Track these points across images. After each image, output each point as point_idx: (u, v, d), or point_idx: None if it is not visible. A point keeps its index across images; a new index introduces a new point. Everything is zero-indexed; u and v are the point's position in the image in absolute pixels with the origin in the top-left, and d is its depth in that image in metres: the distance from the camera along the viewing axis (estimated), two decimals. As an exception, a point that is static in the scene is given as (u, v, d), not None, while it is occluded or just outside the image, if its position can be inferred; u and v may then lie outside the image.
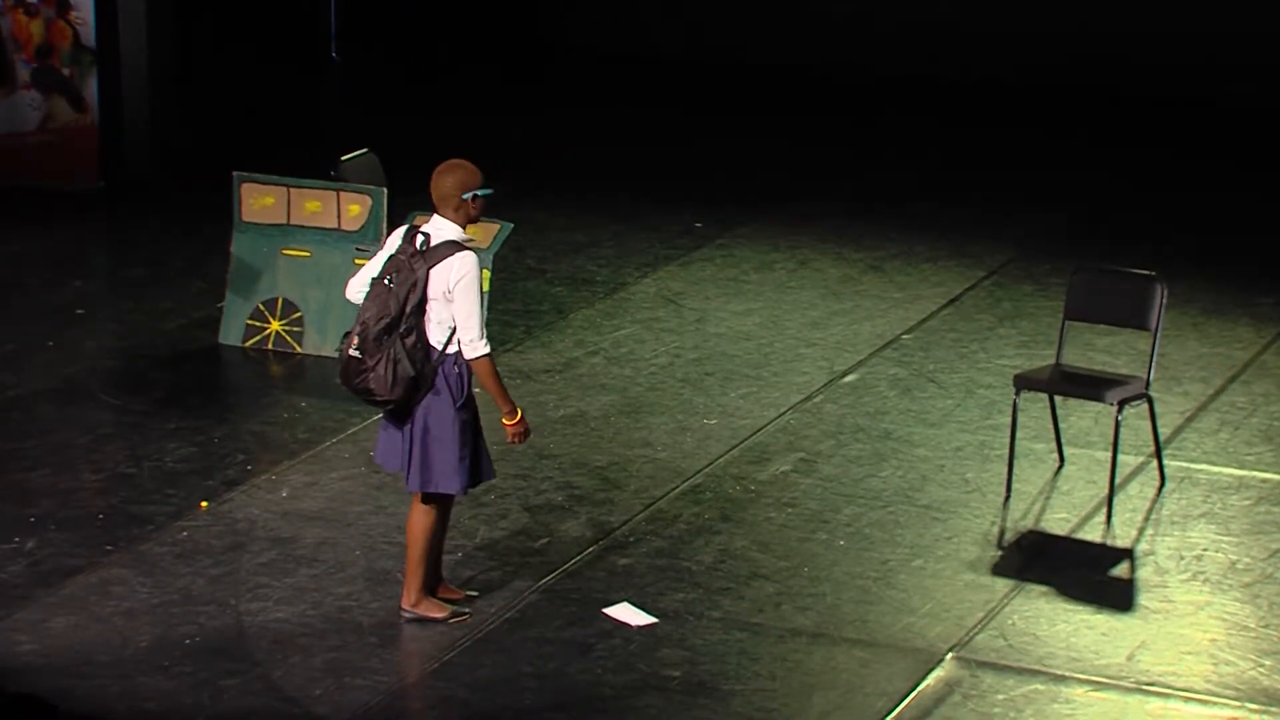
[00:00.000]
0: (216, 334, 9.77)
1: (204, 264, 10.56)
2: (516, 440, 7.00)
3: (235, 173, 9.84)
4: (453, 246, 6.75)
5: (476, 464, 6.95)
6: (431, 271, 6.72)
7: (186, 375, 9.40)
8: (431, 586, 7.07)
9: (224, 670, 6.71)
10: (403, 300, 6.72)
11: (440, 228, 6.79)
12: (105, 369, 9.53)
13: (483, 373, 6.79)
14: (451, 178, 6.77)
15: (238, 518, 7.86)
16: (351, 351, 6.77)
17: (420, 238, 6.78)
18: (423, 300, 6.72)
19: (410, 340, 6.73)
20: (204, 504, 7.97)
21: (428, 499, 6.94)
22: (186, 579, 7.34)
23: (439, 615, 7.03)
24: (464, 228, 6.81)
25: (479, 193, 6.79)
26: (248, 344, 9.72)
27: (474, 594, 7.22)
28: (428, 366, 6.78)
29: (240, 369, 9.62)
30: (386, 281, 6.76)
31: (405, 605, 7.04)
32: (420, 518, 6.96)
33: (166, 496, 8.03)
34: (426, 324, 6.77)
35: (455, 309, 6.73)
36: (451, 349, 6.80)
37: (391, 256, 6.81)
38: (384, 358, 6.73)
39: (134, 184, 12.10)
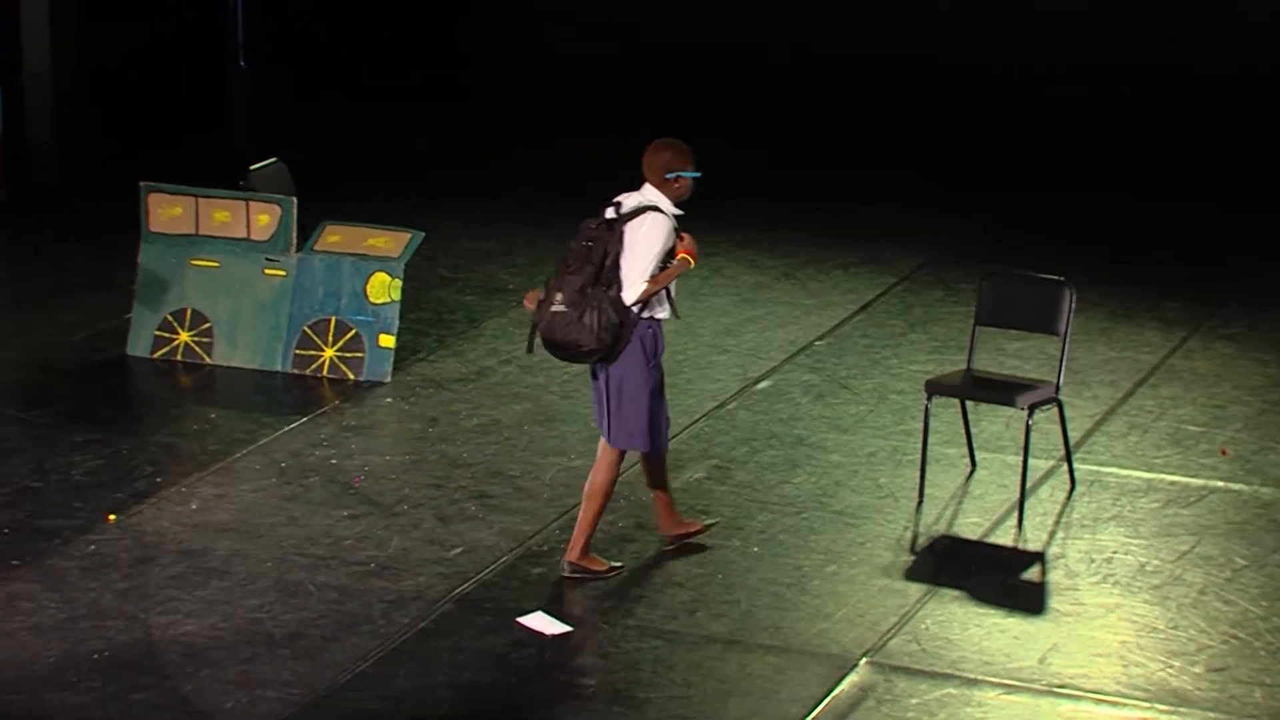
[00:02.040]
0: (124, 345, 9.67)
1: (111, 275, 10.45)
2: (692, 251, 7.22)
3: (142, 183, 9.75)
4: (648, 206, 7.14)
5: (657, 428, 7.30)
6: (626, 227, 7.11)
7: (94, 387, 9.30)
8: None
9: (133, 685, 6.63)
10: (602, 255, 7.10)
11: (644, 193, 7.22)
12: (10, 381, 9.41)
13: (650, 294, 7.14)
14: (659, 156, 7.20)
15: (146, 531, 7.78)
16: (556, 307, 7.13)
17: (616, 207, 7.19)
18: (619, 255, 7.09)
19: (613, 292, 7.14)
20: (112, 517, 7.88)
21: (617, 457, 7.30)
22: (94, 593, 7.25)
23: (600, 568, 7.38)
24: (673, 202, 7.21)
25: (683, 174, 7.18)
26: (156, 355, 9.62)
27: (619, 565, 7.49)
28: (629, 318, 7.13)
29: (148, 380, 9.53)
30: (585, 243, 7.15)
31: (570, 559, 7.35)
32: (605, 473, 7.31)
33: (73, 510, 7.93)
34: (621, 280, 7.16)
35: (625, 256, 7.08)
36: (646, 312, 7.17)
37: (586, 224, 7.18)
38: (589, 308, 7.10)
39: (38, 194, 11.96)
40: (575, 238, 7.26)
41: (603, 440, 7.39)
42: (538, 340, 7.27)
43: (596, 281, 7.14)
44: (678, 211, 7.27)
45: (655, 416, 7.33)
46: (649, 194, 7.25)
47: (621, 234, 7.17)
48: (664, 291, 7.24)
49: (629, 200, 7.28)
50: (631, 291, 7.18)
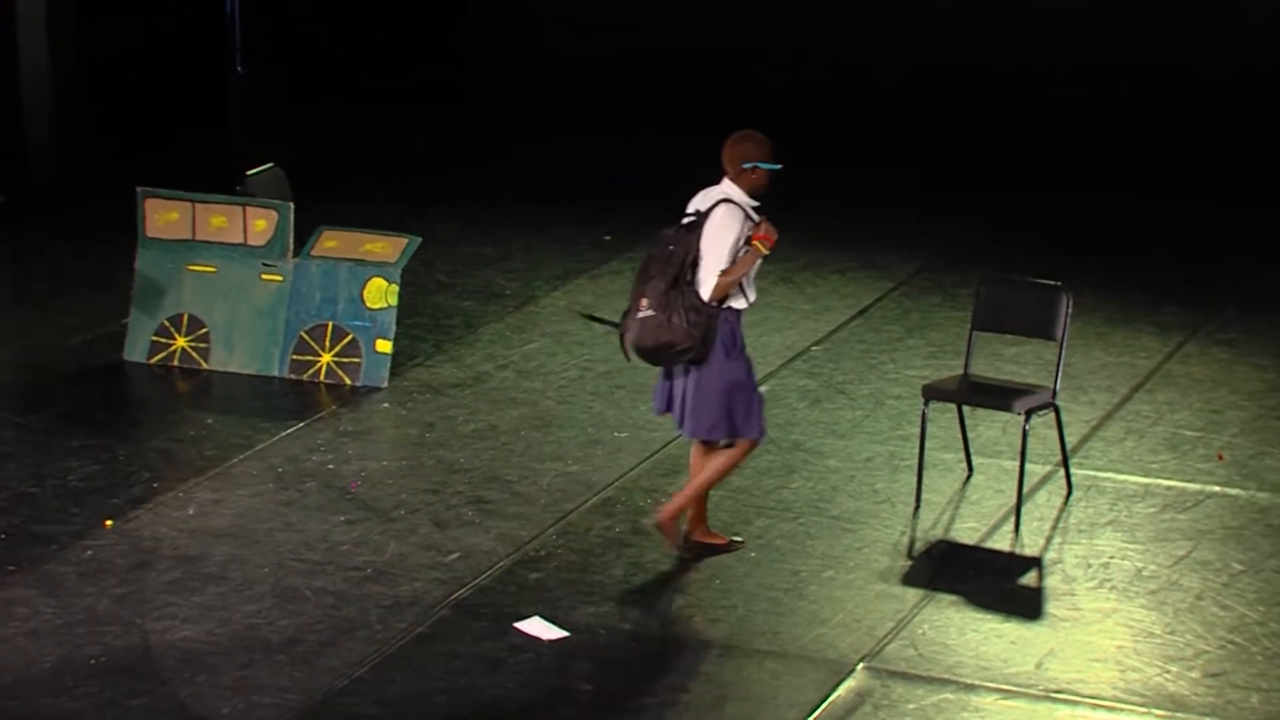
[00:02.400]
0: (121, 350, 9.67)
1: (108, 279, 10.45)
2: (767, 237, 7.21)
3: (139, 188, 9.75)
4: (720, 199, 7.19)
5: (748, 417, 7.30)
6: (706, 225, 7.19)
7: (91, 392, 9.30)
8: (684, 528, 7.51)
9: (130, 690, 6.63)
10: (683, 255, 7.18)
11: (720, 187, 7.24)
12: (7, 385, 9.41)
13: (726, 289, 7.17)
14: (738, 147, 7.22)
15: (143, 536, 7.77)
16: (643, 313, 7.20)
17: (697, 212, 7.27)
18: (700, 253, 7.17)
19: (696, 289, 7.20)
20: (108, 522, 7.88)
21: (711, 444, 7.38)
22: (91, 599, 7.25)
23: (720, 542, 7.57)
24: (750, 194, 7.21)
25: (761, 165, 7.19)
26: (153, 360, 9.62)
27: (739, 539, 7.66)
28: (713, 311, 7.19)
29: (145, 385, 9.52)
30: (668, 247, 7.24)
31: (695, 538, 7.52)
32: (701, 457, 7.44)
33: (70, 515, 7.93)
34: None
35: (702, 253, 7.14)
36: (723, 303, 7.24)
37: (664, 233, 7.29)
38: (675, 310, 7.15)
39: (36, 197, 11.96)
40: (654, 247, 7.30)
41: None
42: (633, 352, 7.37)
43: (678, 282, 7.18)
44: (754, 203, 7.28)
45: (735, 408, 7.31)
46: (724, 187, 7.27)
47: (701, 232, 7.21)
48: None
49: (706, 197, 7.31)
50: (706, 288, 7.21)
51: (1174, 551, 7.81)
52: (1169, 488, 8.38)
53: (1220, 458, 8.65)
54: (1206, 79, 14.27)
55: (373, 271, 9.52)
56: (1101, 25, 14.56)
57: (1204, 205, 12.54)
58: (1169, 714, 6.68)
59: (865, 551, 7.76)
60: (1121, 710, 6.71)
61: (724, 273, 7.19)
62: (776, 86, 14.89)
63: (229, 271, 9.61)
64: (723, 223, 7.19)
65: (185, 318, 9.63)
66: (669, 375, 7.42)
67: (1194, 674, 6.90)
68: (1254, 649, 7.06)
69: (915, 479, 8.22)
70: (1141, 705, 6.72)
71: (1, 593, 7.28)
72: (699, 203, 7.35)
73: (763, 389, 9.40)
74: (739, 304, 7.32)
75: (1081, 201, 12.63)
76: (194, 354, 9.61)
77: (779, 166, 7.26)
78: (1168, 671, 6.92)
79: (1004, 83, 14.58)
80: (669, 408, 7.48)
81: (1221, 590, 7.49)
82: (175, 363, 9.61)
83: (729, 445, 7.47)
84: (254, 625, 7.08)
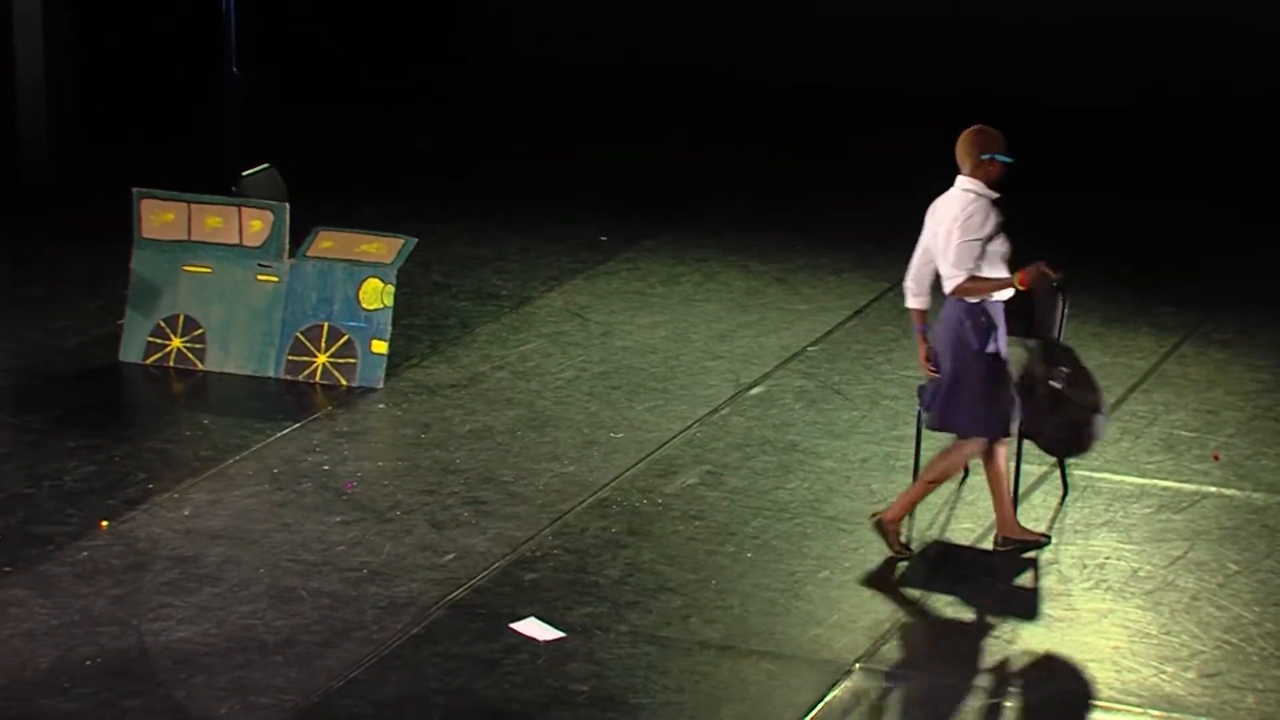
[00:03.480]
0: (117, 351, 9.66)
1: (104, 279, 10.45)
2: (1034, 273, 7.37)
3: (135, 189, 9.74)
4: (959, 192, 7.35)
5: (998, 412, 7.42)
6: (938, 212, 7.42)
7: (86, 393, 9.29)
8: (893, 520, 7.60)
9: (126, 691, 6.62)
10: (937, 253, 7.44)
11: (957, 184, 7.41)
12: (2, 387, 9.40)
13: (970, 294, 7.31)
14: (975, 140, 7.37)
15: (139, 537, 7.77)
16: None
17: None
18: (946, 242, 7.38)
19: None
20: (104, 523, 7.87)
21: (979, 441, 7.50)
22: (87, 599, 7.24)
23: (1033, 537, 7.66)
24: (988, 185, 7.36)
25: (997, 156, 7.34)
26: (149, 361, 9.62)
27: (1046, 538, 7.75)
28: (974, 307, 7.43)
29: (141, 386, 9.52)
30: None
31: (1004, 534, 7.61)
32: (987, 460, 7.55)
33: (66, 516, 7.92)
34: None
35: (943, 242, 7.31)
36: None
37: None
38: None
39: (31, 198, 11.95)
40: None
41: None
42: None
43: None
44: (994, 194, 7.39)
45: (988, 400, 7.39)
46: (962, 183, 7.42)
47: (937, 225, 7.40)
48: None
49: (949, 198, 7.45)
50: (950, 281, 7.32)
51: (1170, 552, 7.81)
52: (1165, 488, 8.38)
53: (1216, 458, 8.65)
54: (1185, 83, 14.29)
55: (368, 272, 9.51)
56: (1086, 35, 14.56)
57: (1190, 205, 12.54)
58: (1165, 714, 6.68)
59: (861, 552, 7.76)
60: (1117, 710, 6.71)
61: (972, 279, 7.32)
62: (775, 87, 14.89)
63: (225, 272, 9.61)
64: (958, 217, 7.29)
65: (181, 319, 9.63)
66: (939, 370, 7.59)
67: (1190, 674, 6.90)
68: (1250, 649, 7.07)
69: (911, 480, 8.22)
70: (1138, 705, 6.73)
71: (-3, 594, 7.28)
72: (936, 212, 7.50)
73: (757, 390, 9.42)
74: (996, 295, 7.45)
75: (1072, 202, 12.63)
76: (190, 355, 9.60)
77: (1012, 160, 7.42)
78: (1164, 672, 6.92)
79: (1005, 86, 14.60)
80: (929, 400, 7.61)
81: (1217, 591, 7.49)
82: (171, 364, 9.60)
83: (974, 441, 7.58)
84: (250, 626, 7.07)
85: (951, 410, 7.46)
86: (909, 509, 7.69)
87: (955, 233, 7.32)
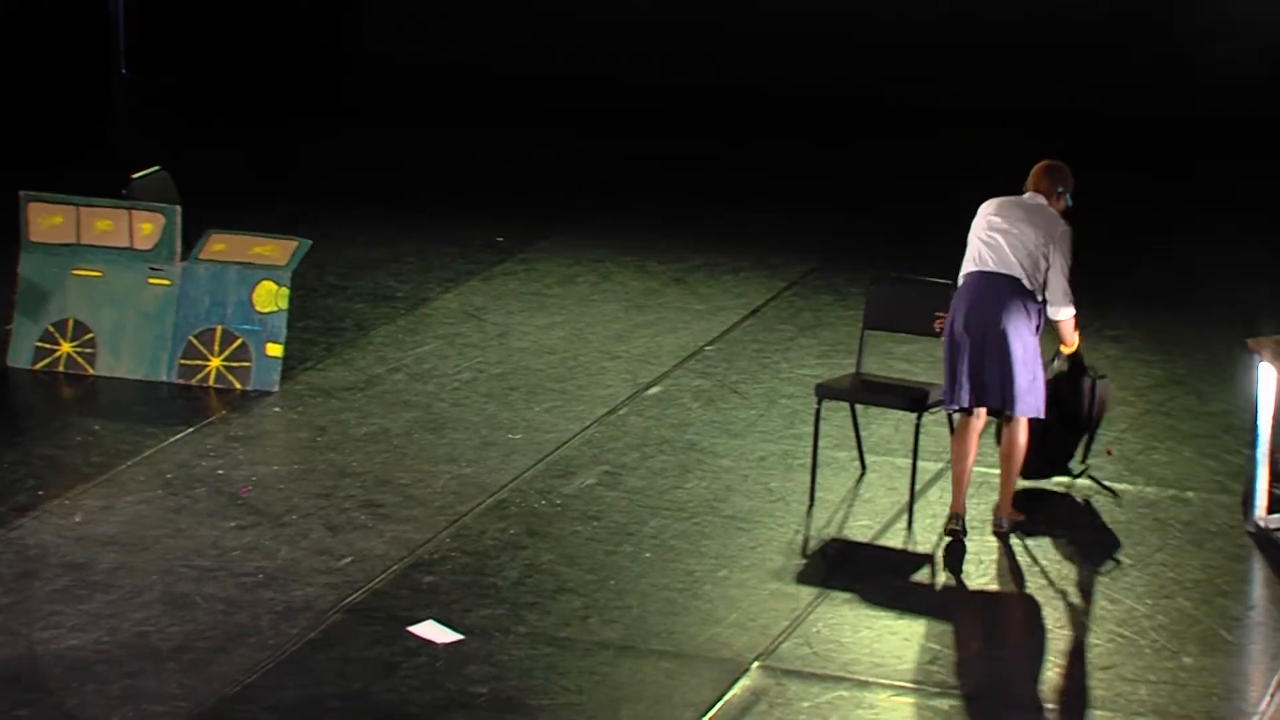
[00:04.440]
0: (4, 357, 9.52)
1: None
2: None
3: (22, 192, 9.61)
4: (1051, 212, 7.91)
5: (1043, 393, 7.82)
6: (1058, 241, 7.86)
7: (-26, 399, 9.15)
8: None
9: (16, 700, 6.53)
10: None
11: (1045, 201, 7.90)
12: (-112, 394, 9.25)
13: (1065, 331, 8.00)
14: (1055, 173, 7.94)
15: (29, 544, 7.66)
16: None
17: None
18: (1054, 269, 7.89)
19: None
20: (-7, 531, 7.76)
21: (1014, 420, 7.81)
22: (-24, 608, 7.13)
23: (1021, 518, 7.91)
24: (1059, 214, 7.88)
25: (1068, 195, 7.94)
26: (37, 366, 9.49)
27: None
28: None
29: (30, 392, 9.39)
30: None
31: (1003, 515, 7.84)
32: (1009, 436, 7.80)
33: (-46, 524, 7.80)
34: None
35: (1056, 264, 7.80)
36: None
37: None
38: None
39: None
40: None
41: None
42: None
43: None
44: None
45: (1041, 385, 7.79)
46: (1048, 203, 7.89)
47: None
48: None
49: (1032, 209, 7.83)
50: (1066, 311, 7.94)
51: (1063, 546, 7.89)
52: (1058, 483, 8.46)
53: (1109, 453, 8.74)
54: (1079, 82, 14.45)
55: (262, 275, 9.43)
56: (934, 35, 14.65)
57: (1079, 201, 12.63)
58: (1058, 707, 6.74)
59: (760, 550, 7.79)
60: (1012, 703, 6.76)
61: (1070, 335, 8.04)
62: (677, 87, 14.90)
63: (115, 276, 9.49)
64: (1071, 243, 7.85)
65: (70, 323, 9.50)
66: (970, 366, 7.72)
67: (1083, 667, 6.97)
68: (1142, 642, 7.15)
69: (809, 477, 8.25)
70: (1032, 698, 6.78)
71: (-117, 604, 7.15)
72: (1028, 211, 7.82)
73: (654, 390, 9.42)
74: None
75: (971, 202, 12.71)
76: (80, 360, 9.48)
77: (1072, 203, 7.98)
78: (1058, 665, 6.99)
79: (894, 88, 14.68)
80: (983, 399, 7.77)
81: (1110, 584, 7.58)
82: (60, 369, 9.48)
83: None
84: (143, 633, 6.99)
85: (1024, 393, 7.71)
86: (1011, 495, 7.91)
87: (1060, 261, 7.79)
